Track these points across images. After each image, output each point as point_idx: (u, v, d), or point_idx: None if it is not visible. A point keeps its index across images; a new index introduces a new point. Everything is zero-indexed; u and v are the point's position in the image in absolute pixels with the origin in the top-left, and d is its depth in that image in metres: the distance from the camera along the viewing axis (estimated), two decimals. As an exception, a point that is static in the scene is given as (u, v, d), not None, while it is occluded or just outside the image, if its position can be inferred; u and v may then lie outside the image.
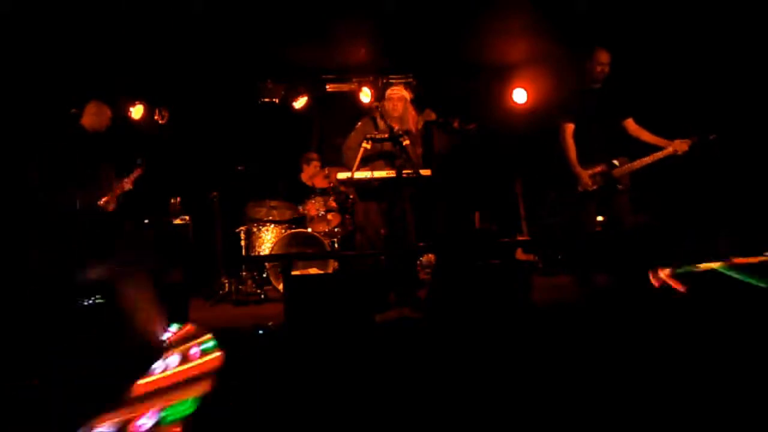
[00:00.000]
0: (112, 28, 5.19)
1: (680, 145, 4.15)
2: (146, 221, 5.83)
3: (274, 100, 6.88)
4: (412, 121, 4.60)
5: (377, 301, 4.05)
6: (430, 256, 6.30)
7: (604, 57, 4.26)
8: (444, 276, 3.92)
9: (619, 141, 4.33)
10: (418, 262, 6.09)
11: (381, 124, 4.52)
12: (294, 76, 6.83)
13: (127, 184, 4.82)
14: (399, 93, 4.55)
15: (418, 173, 4.24)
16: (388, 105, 4.52)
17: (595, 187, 4.29)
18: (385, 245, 4.42)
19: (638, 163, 4.25)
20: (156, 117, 6.60)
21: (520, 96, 6.86)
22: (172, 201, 6.08)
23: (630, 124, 4.35)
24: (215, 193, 6.08)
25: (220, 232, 6.15)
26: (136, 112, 6.45)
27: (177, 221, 5.95)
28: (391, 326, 3.75)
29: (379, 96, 4.71)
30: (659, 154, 4.19)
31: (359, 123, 4.63)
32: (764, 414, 2.04)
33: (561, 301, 4.51)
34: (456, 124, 7.04)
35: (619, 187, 4.26)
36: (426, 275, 5.98)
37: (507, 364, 2.78)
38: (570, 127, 4.37)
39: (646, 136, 4.29)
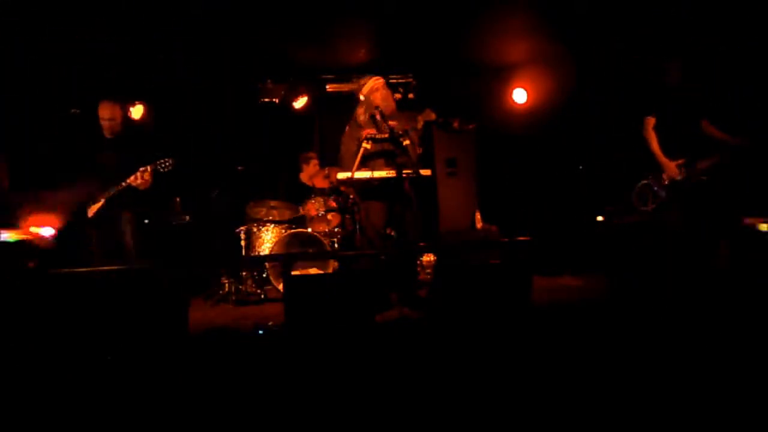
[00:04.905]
0: (113, 28, 5.19)
1: (744, 140, 4.31)
2: (146, 221, 5.83)
3: (274, 100, 6.88)
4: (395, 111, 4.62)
5: (377, 301, 4.05)
6: (430, 256, 6.30)
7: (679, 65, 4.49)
8: (444, 276, 3.92)
9: (699, 138, 4.45)
10: (418, 262, 6.08)
11: (381, 124, 4.52)
12: (294, 76, 6.83)
13: (143, 177, 4.78)
14: (382, 80, 4.59)
15: (418, 173, 4.24)
16: (377, 96, 4.50)
17: (680, 177, 4.43)
18: (386, 245, 4.42)
19: (717, 158, 4.36)
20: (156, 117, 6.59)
21: (520, 96, 6.86)
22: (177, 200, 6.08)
23: (705, 125, 4.46)
24: (215, 193, 6.08)
25: (220, 232, 6.15)
26: (136, 112, 6.45)
27: (177, 221, 5.95)
28: (391, 326, 3.74)
29: (358, 98, 4.72)
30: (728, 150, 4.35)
31: (347, 128, 4.64)
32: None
33: (561, 301, 4.52)
34: (456, 124, 7.05)
35: (703, 179, 4.38)
36: (426, 275, 5.98)
37: (507, 364, 2.78)
38: (651, 121, 4.52)
39: (718, 134, 4.40)
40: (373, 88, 4.53)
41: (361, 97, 4.59)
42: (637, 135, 4.55)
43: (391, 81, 6.72)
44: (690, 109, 4.44)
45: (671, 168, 4.46)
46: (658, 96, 4.58)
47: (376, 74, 4.71)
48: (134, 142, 4.95)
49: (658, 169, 4.54)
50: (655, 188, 4.57)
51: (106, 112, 4.76)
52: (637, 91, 4.86)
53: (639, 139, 4.58)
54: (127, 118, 5.12)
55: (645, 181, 4.67)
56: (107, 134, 4.81)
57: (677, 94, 4.47)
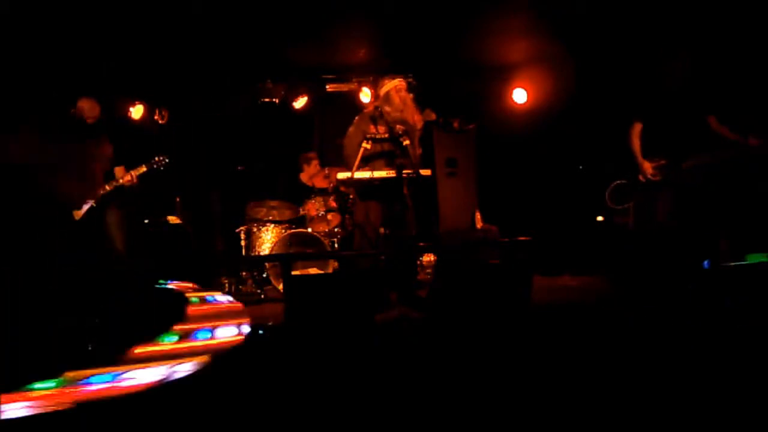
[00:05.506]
0: (113, 28, 5.19)
1: (753, 140, 4.22)
2: (146, 221, 5.83)
3: (274, 100, 6.89)
4: (415, 114, 4.61)
5: (377, 301, 4.05)
6: (430, 256, 6.31)
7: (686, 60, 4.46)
8: (444, 276, 3.92)
9: (697, 137, 4.41)
10: (418, 262, 6.09)
11: (381, 124, 4.52)
12: (294, 76, 6.83)
13: (133, 176, 4.79)
14: (403, 83, 4.59)
15: (418, 173, 4.24)
16: (397, 97, 4.50)
17: (657, 178, 4.46)
18: (385, 245, 4.42)
19: (708, 158, 4.33)
20: (156, 117, 6.61)
21: (520, 96, 6.86)
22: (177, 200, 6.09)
23: (712, 122, 4.41)
24: (215, 193, 6.09)
25: (220, 232, 6.15)
26: (136, 112, 6.46)
27: (177, 221, 5.95)
28: (391, 326, 3.74)
29: (377, 94, 4.71)
30: (731, 150, 4.29)
31: (357, 118, 4.64)
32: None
33: (561, 301, 4.52)
34: (456, 124, 7.06)
35: (688, 179, 4.38)
36: (426, 275, 5.98)
37: (507, 364, 2.78)
38: (638, 126, 4.59)
39: (727, 132, 4.35)
40: (397, 88, 4.53)
41: (381, 94, 4.59)
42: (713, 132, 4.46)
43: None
44: (691, 107, 4.41)
45: (647, 168, 4.50)
46: (649, 99, 4.59)
47: (376, 74, 4.71)
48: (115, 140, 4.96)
49: (637, 169, 4.59)
50: (630, 188, 4.62)
51: (85, 110, 4.73)
52: (636, 91, 4.86)
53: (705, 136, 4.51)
54: (107, 117, 5.10)
55: (619, 181, 4.74)
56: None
57: (678, 91, 4.43)
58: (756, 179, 4.75)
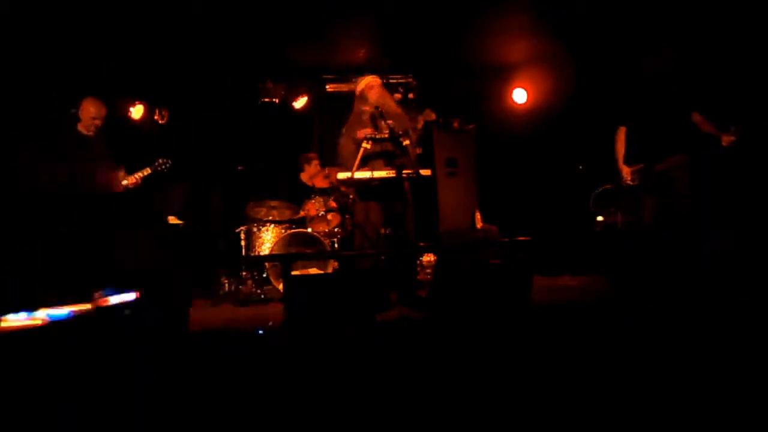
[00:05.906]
0: (113, 28, 5.19)
1: (726, 138, 4.23)
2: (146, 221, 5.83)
3: (274, 100, 6.89)
4: (396, 109, 4.62)
5: (377, 301, 4.04)
6: (430, 256, 6.31)
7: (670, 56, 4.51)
8: (444, 276, 3.92)
9: (681, 139, 4.41)
10: (418, 262, 6.09)
11: (381, 124, 4.52)
12: (294, 76, 6.84)
13: (137, 179, 4.78)
14: (378, 80, 4.62)
15: (418, 173, 4.24)
16: (371, 93, 4.51)
17: (635, 183, 4.56)
18: (385, 245, 4.42)
19: (683, 158, 4.36)
20: (156, 117, 6.61)
21: (520, 96, 6.87)
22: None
23: (695, 117, 4.41)
24: (215, 193, 6.09)
25: (220, 232, 6.16)
26: (136, 112, 6.46)
27: (177, 221, 5.95)
28: (391, 326, 3.74)
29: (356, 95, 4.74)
30: (707, 148, 4.32)
31: (344, 129, 4.64)
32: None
33: (561, 301, 4.52)
34: (456, 124, 7.06)
35: (664, 181, 4.42)
36: (426, 275, 5.98)
37: (507, 365, 2.78)
38: (622, 130, 4.69)
39: (713, 129, 4.34)
40: (368, 86, 4.55)
41: (357, 94, 4.62)
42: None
43: (391, 81, 6.74)
44: (674, 105, 4.40)
45: (626, 173, 4.60)
46: (634, 102, 4.64)
47: (376, 74, 4.72)
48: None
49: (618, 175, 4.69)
50: (614, 193, 4.68)
51: (93, 110, 4.67)
52: (623, 94, 4.90)
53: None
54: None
55: (605, 187, 4.78)
56: (89, 132, 4.76)
57: (664, 93, 4.43)
58: (733, 174, 4.78)
